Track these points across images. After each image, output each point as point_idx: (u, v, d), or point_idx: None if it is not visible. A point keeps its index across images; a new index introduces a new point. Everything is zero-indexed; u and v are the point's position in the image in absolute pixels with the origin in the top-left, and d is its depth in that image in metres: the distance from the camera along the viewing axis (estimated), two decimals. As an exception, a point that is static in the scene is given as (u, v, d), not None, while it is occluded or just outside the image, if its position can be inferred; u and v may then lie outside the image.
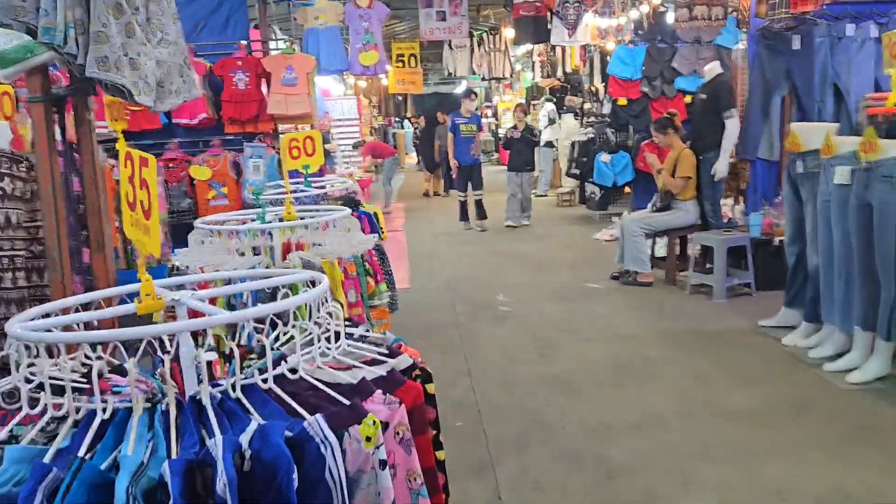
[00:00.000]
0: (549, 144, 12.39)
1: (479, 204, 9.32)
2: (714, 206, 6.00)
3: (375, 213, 4.71)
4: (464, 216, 9.43)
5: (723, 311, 5.26)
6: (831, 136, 3.96)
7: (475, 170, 9.28)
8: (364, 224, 4.53)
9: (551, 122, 12.73)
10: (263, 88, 5.84)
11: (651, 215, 6.09)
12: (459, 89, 21.77)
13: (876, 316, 3.77)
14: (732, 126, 5.77)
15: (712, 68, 5.98)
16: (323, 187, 4.89)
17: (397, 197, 13.54)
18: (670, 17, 8.48)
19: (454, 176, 9.71)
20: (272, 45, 6.26)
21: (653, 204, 6.21)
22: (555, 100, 13.35)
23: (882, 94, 4.10)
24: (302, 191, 4.68)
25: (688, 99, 8.76)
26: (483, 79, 12.95)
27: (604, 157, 9.07)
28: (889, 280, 3.65)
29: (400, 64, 13.16)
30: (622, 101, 8.76)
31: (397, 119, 24.25)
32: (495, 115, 23.04)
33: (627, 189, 9.35)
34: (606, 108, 9.54)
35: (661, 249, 6.63)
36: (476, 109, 23.62)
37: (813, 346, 4.23)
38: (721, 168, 5.85)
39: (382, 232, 4.75)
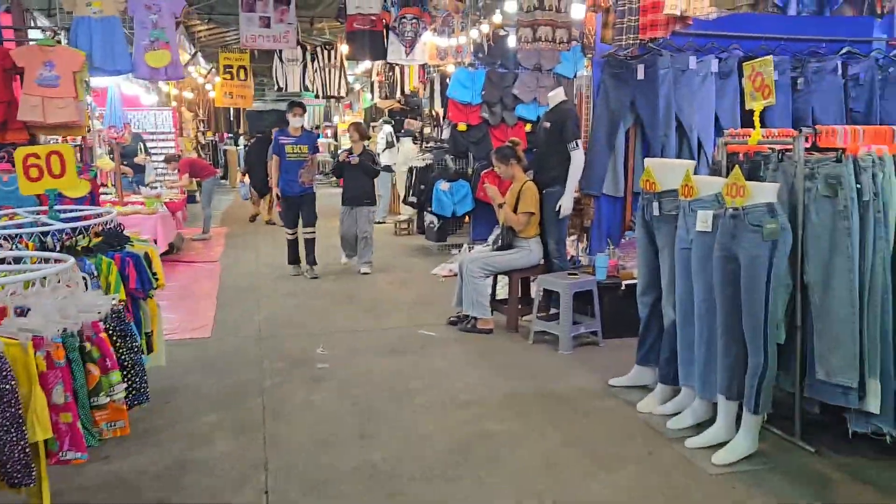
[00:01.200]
0: (388, 169, 11.68)
1: (309, 245, 7.60)
2: (559, 244, 5.48)
3: (147, 254, 3.64)
4: (293, 258, 7.64)
5: (571, 365, 4.68)
6: (691, 176, 3.46)
7: (305, 201, 7.48)
8: (129, 270, 3.47)
9: (389, 145, 12.05)
10: (18, 88, 4.58)
11: (492, 255, 5.46)
12: (296, 107, 20.62)
13: (742, 384, 3.28)
14: (578, 158, 5.28)
15: (556, 94, 5.49)
16: (84, 218, 3.75)
17: (220, 221, 12.20)
18: (512, 41, 8.07)
19: (278, 208, 8.37)
20: (32, 34, 4.97)
21: (494, 242, 5.58)
22: (393, 122, 12.70)
23: (744, 130, 3.70)
24: (45, 224, 3.53)
25: (528, 127, 8.44)
26: (317, 96, 11.99)
27: (443, 185, 8.50)
28: (757, 345, 3.17)
29: (228, 76, 11.92)
30: (462, 127, 8.21)
31: (230, 135, 22.60)
32: (335, 135, 22.10)
33: (468, 219, 8.82)
34: (446, 134, 8.96)
35: (502, 290, 6.03)
36: (316, 128, 22.13)
37: (671, 414, 3.70)
38: (566, 204, 5.34)
39: (157, 280, 3.69)
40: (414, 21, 8.46)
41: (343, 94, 12.14)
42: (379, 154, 11.80)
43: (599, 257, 5.26)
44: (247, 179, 12.98)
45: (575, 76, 8.62)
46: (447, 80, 9.23)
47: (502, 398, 4.09)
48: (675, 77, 5.67)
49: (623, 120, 5.67)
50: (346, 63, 11.61)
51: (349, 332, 5.51)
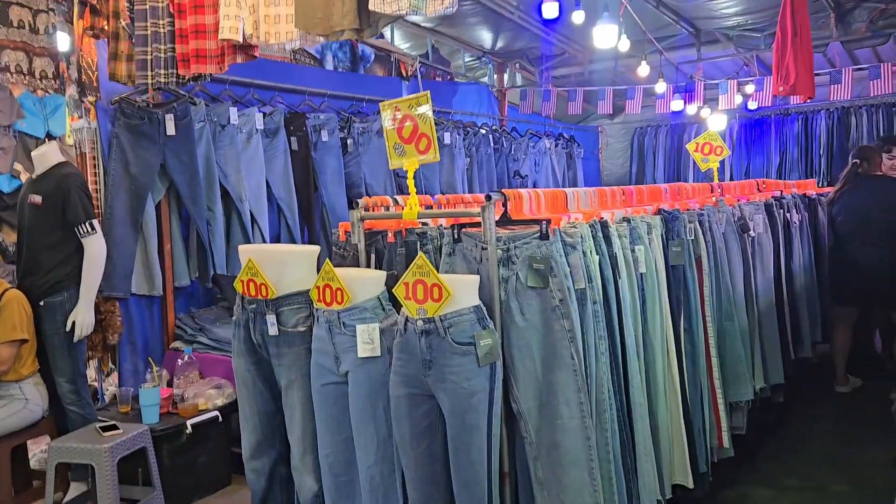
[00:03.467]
0: None
1: None
2: (76, 383, 3.50)
3: None
4: None
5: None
6: (335, 270, 2.21)
7: None
8: None
9: None
10: None
11: (-48, 419, 3.20)
12: None
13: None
14: (95, 247, 3.45)
15: (46, 154, 3.56)
16: None
17: None
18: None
19: None
20: None
21: (-46, 395, 3.31)
22: None
23: (379, 198, 2.61)
24: None
25: None
26: None
27: None
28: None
29: None
30: None
31: None
32: None
33: None
34: None
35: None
36: None
37: None
38: (83, 318, 3.44)
39: None
40: None
41: None
42: None
43: (145, 391, 3.52)
44: None
45: (48, 136, 6.60)
46: None
47: None
48: (214, 133, 4.36)
49: (152, 189, 4.08)
50: None
51: None
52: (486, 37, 6.62)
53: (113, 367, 4.22)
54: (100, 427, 3.27)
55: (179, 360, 3.75)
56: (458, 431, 2.02)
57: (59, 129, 6.40)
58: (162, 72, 3.47)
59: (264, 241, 4.58)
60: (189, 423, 3.53)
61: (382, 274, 2.26)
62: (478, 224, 2.24)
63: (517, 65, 7.12)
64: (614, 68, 6.57)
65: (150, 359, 3.90)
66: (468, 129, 6.24)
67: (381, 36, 5.91)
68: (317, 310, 2.29)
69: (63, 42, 4.02)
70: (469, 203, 2.94)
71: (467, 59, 7.05)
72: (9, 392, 3.35)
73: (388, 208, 2.62)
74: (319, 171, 4.98)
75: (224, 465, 3.73)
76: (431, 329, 2.03)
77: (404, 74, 5.86)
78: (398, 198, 2.64)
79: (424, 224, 2.51)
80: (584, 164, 8.30)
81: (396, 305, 2.24)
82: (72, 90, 4.74)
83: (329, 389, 2.29)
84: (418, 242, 2.45)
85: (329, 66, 5.44)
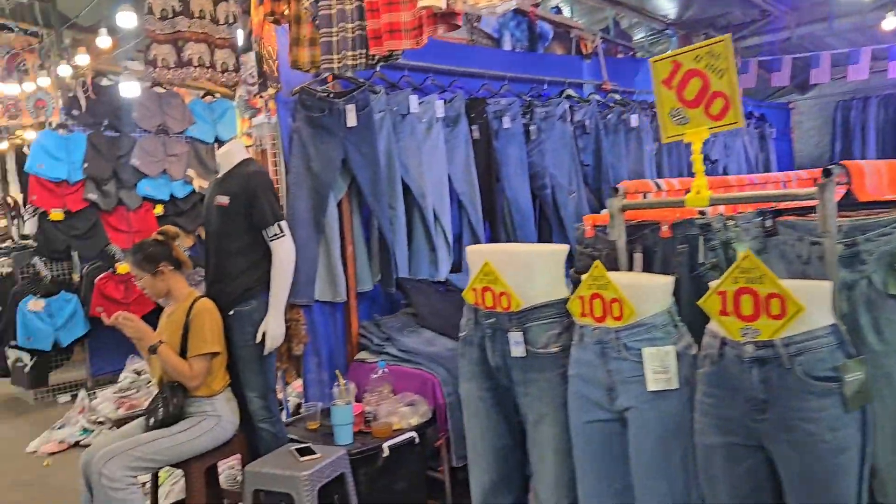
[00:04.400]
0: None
1: None
2: (266, 398, 3.23)
3: None
4: None
5: None
6: (607, 273, 1.70)
7: None
8: None
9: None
10: None
11: (146, 439, 2.98)
12: None
13: None
14: (285, 250, 3.16)
15: (231, 151, 3.31)
16: None
17: None
18: (126, 89, 5.65)
19: None
20: None
21: (150, 411, 3.12)
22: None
23: (638, 182, 2.09)
24: None
25: (159, 209, 6.29)
26: None
27: (34, 303, 5.74)
28: None
29: None
30: (56, 215, 5.73)
31: None
32: None
33: (83, 344, 6.01)
34: (31, 227, 6.02)
35: (168, 483, 3.56)
36: None
37: None
38: (274, 329, 3.16)
39: None
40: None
41: None
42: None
43: (338, 409, 3.18)
44: None
45: (217, 141, 6.64)
46: (25, 149, 6.45)
47: None
48: (394, 123, 4.00)
49: (333, 188, 3.76)
50: None
51: None
52: (669, 6, 5.90)
53: (297, 375, 3.97)
54: (295, 450, 2.96)
55: (372, 374, 3.39)
56: (814, 501, 1.44)
57: (228, 132, 6.38)
58: (349, 53, 3.11)
59: (447, 242, 4.18)
60: (386, 445, 3.16)
61: (670, 279, 1.72)
62: (797, 210, 1.66)
63: (704, 35, 6.33)
64: (828, 29, 5.64)
65: (337, 372, 3.58)
66: (654, 109, 5.56)
67: (559, 11, 5.37)
68: (580, 326, 1.78)
69: (240, 38, 3.80)
70: (755, 185, 2.32)
71: (646, 34, 6.36)
72: (201, 409, 3.10)
73: (644, 195, 2.07)
74: (502, 162, 4.51)
75: (421, 492, 3.35)
76: (769, 357, 1.45)
77: (584, 52, 5.29)
78: (660, 181, 2.09)
79: (702, 214, 1.95)
80: (776, 144, 7.36)
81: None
82: (241, 91, 4.56)
83: (596, 428, 1.78)
84: (700, 238, 1.88)
85: (507, 46, 4.98)
